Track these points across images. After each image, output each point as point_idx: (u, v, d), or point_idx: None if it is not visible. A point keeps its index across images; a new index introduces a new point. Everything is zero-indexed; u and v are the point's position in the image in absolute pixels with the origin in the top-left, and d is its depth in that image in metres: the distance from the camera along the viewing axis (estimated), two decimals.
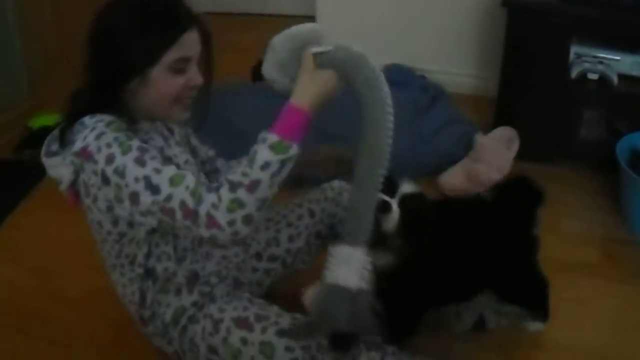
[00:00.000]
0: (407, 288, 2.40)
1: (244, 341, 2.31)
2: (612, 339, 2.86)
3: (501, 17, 4.01)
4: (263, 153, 1.99)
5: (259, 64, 2.37)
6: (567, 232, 3.51)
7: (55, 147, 2.26)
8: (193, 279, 2.44)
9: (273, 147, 2.00)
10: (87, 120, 2.13)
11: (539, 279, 2.76)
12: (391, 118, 2.18)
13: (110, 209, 2.15)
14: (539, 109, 3.94)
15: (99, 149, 2.06)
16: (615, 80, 3.69)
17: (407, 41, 4.98)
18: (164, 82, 2.17)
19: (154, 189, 2.01)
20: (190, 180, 2.01)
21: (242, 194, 1.97)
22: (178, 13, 2.17)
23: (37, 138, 4.31)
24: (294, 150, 2.05)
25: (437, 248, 2.37)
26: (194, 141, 2.69)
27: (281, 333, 2.30)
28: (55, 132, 2.29)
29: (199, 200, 1.98)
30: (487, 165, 3.67)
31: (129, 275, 2.37)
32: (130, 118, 2.21)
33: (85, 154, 2.09)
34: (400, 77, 4.79)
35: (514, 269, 2.64)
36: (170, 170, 2.03)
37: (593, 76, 3.73)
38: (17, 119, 4.48)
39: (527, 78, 3.94)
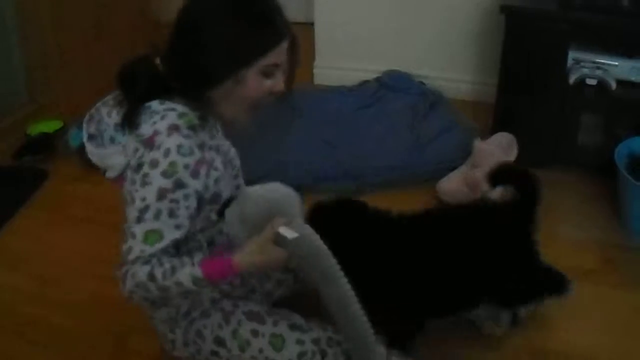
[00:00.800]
0: (397, 298, 2.44)
1: (255, 333, 2.34)
2: (611, 344, 2.86)
3: (499, 23, 4.00)
4: (184, 275, 2.05)
5: None
6: (565, 238, 3.51)
7: (93, 129, 2.30)
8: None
9: (194, 277, 2.06)
10: (156, 105, 2.16)
11: (544, 275, 2.79)
12: (353, 308, 2.13)
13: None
14: (538, 114, 3.94)
15: (159, 147, 2.08)
16: (614, 85, 3.69)
17: (405, 47, 4.98)
18: (254, 84, 2.19)
19: (138, 220, 2.06)
20: (157, 245, 2.07)
21: (151, 286, 2.04)
22: (278, 20, 2.19)
23: (35, 144, 4.32)
24: (207, 285, 2.12)
25: (428, 258, 2.42)
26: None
27: (293, 327, 2.34)
28: (92, 112, 2.33)
29: (134, 260, 2.05)
30: (486, 171, 3.66)
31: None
32: (204, 113, 2.22)
33: (151, 142, 2.10)
34: (398, 83, 4.81)
35: (516, 275, 2.64)
36: (158, 225, 2.07)
37: (591, 81, 3.73)
38: (15, 125, 4.48)
39: (525, 84, 3.93)
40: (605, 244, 3.44)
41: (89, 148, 2.29)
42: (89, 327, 2.98)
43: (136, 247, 2.05)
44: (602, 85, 3.71)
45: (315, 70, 5.32)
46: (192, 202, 2.13)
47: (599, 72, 3.72)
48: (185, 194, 2.09)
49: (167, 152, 2.06)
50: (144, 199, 2.06)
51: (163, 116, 2.13)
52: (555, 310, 2.85)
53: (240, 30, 2.12)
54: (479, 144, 3.76)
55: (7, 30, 4.45)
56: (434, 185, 3.80)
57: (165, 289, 2.05)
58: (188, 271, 2.04)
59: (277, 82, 2.25)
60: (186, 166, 2.08)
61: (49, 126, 4.44)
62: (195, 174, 2.11)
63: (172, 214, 2.08)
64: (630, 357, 2.82)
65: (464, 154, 3.87)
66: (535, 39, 3.79)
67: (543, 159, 3.97)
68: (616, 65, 3.74)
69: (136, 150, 2.12)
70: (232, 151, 2.53)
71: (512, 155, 3.79)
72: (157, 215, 2.06)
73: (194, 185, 2.11)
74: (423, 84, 4.87)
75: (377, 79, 4.96)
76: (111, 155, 2.23)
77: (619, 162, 3.45)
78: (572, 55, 3.80)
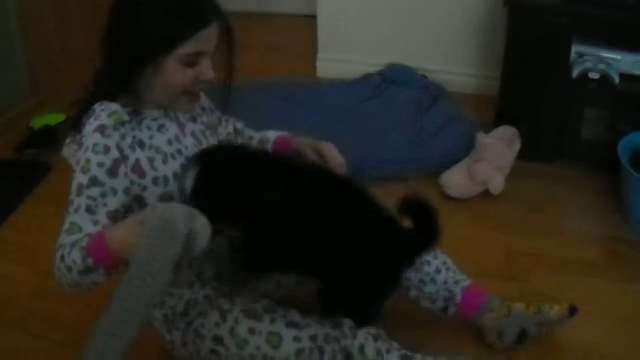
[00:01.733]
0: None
1: (252, 331, 2.31)
2: (613, 339, 2.85)
3: (502, 17, 4.01)
4: (76, 253, 2.03)
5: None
6: (568, 232, 3.51)
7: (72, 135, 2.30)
8: (217, 276, 2.52)
9: (82, 253, 2.03)
10: (97, 107, 2.20)
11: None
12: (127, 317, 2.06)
13: None
14: (541, 108, 3.95)
15: (86, 148, 2.13)
16: (617, 79, 3.69)
17: (408, 40, 4.98)
18: (174, 73, 2.17)
19: (68, 211, 2.13)
20: (73, 237, 2.08)
21: (63, 268, 2.09)
22: (200, 7, 2.15)
23: (38, 138, 4.33)
24: (94, 264, 2.03)
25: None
26: (215, 121, 2.68)
27: (290, 324, 2.33)
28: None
29: (57, 248, 2.12)
30: (489, 164, 3.67)
31: None
32: (136, 107, 2.25)
33: (81, 142, 2.16)
34: (401, 76, 4.81)
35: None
36: (78, 218, 2.09)
37: (594, 75, 3.73)
38: (18, 119, 4.48)
39: (528, 77, 3.93)
40: (609, 238, 3.43)
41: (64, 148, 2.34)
42: (93, 320, 2.98)
43: (61, 236, 2.11)
44: (605, 79, 3.71)
45: (317, 63, 5.32)
46: (111, 201, 2.13)
47: (602, 66, 3.71)
48: (102, 192, 2.11)
49: (85, 150, 2.12)
50: (71, 193, 2.12)
51: (97, 117, 2.17)
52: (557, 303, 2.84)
53: (156, 17, 2.13)
54: (482, 138, 3.76)
55: (10, 24, 4.45)
56: (438, 178, 3.80)
57: (70, 269, 2.06)
58: (78, 249, 2.03)
59: (204, 71, 2.22)
60: (100, 164, 2.11)
61: (52, 119, 4.44)
62: (112, 173, 2.13)
63: (89, 209, 2.10)
64: (634, 351, 2.81)
65: (467, 147, 3.87)
66: (538, 32, 3.78)
67: (546, 153, 3.98)
68: (619, 59, 3.73)
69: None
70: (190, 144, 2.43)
71: (515, 149, 3.79)
72: (77, 210, 2.10)
73: (112, 183, 2.13)
74: (425, 77, 4.87)
75: (380, 73, 4.95)
76: (71, 157, 2.28)
77: (622, 156, 3.45)
78: (575, 49, 3.80)
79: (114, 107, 2.19)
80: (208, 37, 2.18)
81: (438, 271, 2.71)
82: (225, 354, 2.35)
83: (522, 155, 3.82)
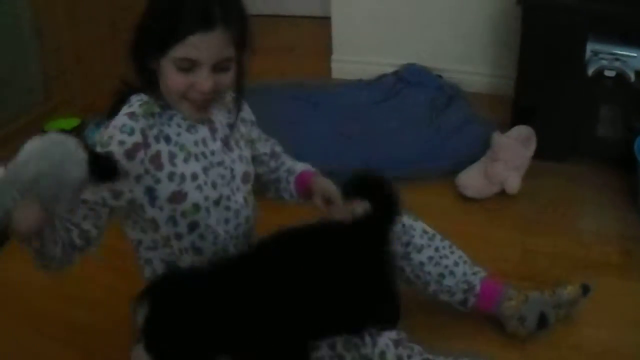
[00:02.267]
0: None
1: None
2: (629, 337, 2.82)
3: (516, 15, 4.00)
4: None
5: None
6: (584, 231, 3.49)
7: None
8: None
9: None
10: (133, 97, 2.24)
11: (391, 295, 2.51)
12: None
13: None
14: (556, 107, 3.93)
15: (113, 125, 2.16)
16: (633, 77, 3.67)
17: (422, 41, 4.97)
18: (169, 76, 2.14)
19: None
20: None
21: None
22: (199, 12, 2.05)
23: None
24: None
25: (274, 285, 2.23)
26: (254, 135, 2.66)
27: None
28: None
29: None
30: (505, 164, 3.66)
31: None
32: (164, 102, 2.24)
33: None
34: (416, 77, 4.81)
35: (368, 296, 2.42)
36: None
37: (610, 73, 3.71)
38: (32, 123, 4.48)
39: (543, 76, 3.92)
40: (625, 237, 3.40)
41: None
42: (106, 321, 2.98)
43: None
44: (621, 76, 3.69)
45: (332, 64, 5.33)
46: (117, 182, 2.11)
47: (617, 64, 3.70)
48: None
49: (109, 127, 2.16)
50: None
51: (130, 105, 2.21)
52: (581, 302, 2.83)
53: (156, 15, 2.14)
54: (498, 137, 3.75)
55: (24, 29, 4.46)
56: (453, 178, 3.79)
57: None
58: None
59: (199, 80, 2.13)
60: (121, 142, 2.11)
61: (67, 124, 4.45)
62: (129, 155, 2.12)
63: None
64: None
65: (483, 147, 3.85)
66: (552, 31, 3.77)
67: (562, 151, 3.97)
68: (635, 57, 3.71)
69: None
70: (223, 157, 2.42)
71: (530, 149, 3.78)
72: None
73: (126, 165, 2.11)
74: (440, 77, 4.86)
75: (395, 73, 4.95)
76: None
77: (638, 154, 3.43)
78: (590, 46, 3.78)
79: (145, 97, 2.22)
80: (198, 45, 2.07)
81: (456, 264, 2.72)
82: None
83: (538, 155, 3.80)
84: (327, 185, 2.56)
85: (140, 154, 2.14)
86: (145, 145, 2.17)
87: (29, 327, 3.02)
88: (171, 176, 2.23)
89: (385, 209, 2.42)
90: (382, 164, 3.83)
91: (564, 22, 3.72)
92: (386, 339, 2.33)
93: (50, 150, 1.83)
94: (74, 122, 4.46)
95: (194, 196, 2.27)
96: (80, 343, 2.91)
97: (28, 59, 4.54)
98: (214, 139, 2.37)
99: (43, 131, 4.32)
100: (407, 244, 2.68)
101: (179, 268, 2.34)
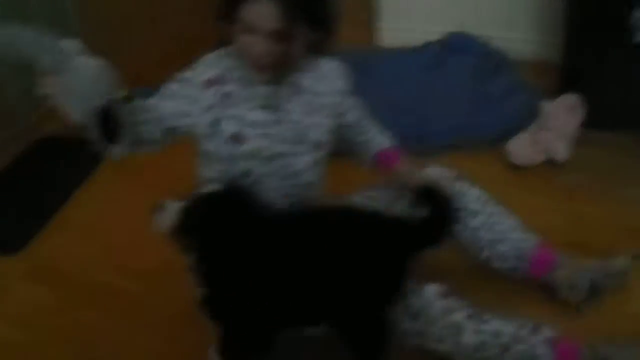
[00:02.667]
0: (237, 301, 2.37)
1: None
2: None
3: None
4: None
5: None
6: (633, 200, 3.46)
7: None
8: None
9: None
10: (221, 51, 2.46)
11: (383, 329, 2.42)
12: None
13: None
14: (604, 75, 3.88)
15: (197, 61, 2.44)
16: None
17: (468, 7, 4.94)
18: (237, 37, 2.28)
19: None
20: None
21: None
22: None
23: None
24: None
25: (273, 264, 2.29)
26: (344, 106, 2.73)
27: None
28: None
29: None
30: (554, 132, 3.65)
31: None
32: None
33: None
34: (463, 44, 4.77)
35: (361, 308, 2.38)
36: (162, 100, 2.35)
37: None
38: None
39: (591, 43, 3.87)
40: None
41: None
42: (159, 292, 3.01)
43: None
44: None
45: (379, 32, 5.32)
46: (181, 102, 2.35)
47: None
48: (183, 92, 2.36)
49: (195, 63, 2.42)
50: None
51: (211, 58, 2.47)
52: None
53: None
54: (546, 106, 3.73)
55: (67, 5, 4.47)
56: (502, 146, 3.79)
57: None
58: None
59: (255, 45, 2.25)
60: (202, 73, 2.39)
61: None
62: (205, 85, 2.37)
63: (163, 90, 2.37)
64: None
65: (531, 115, 3.83)
66: None
67: (610, 120, 3.91)
68: None
69: None
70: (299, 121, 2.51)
71: (578, 117, 3.75)
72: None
73: (198, 93, 2.36)
74: (487, 44, 4.83)
75: (441, 40, 4.93)
76: None
77: None
78: (637, 13, 3.72)
79: (224, 50, 2.42)
80: (253, 12, 2.21)
81: (509, 230, 2.77)
82: None
83: (587, 124, 3.77)
84: (407, 178, 2.68)
85: (215, 89, 2.36)
86: (222, 81, 2.38)
87: (80, 299, 3.07)
88: (236, 117, 2.39)
89: (441, 222, 2.41)
90: (428, 131, 3.82)
91: None
92: (433, 290, 2.40)
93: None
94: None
95: (252, 143, 2.41)
96: (131, 314, 2.94)
97: (68, 29, 4.56)
98: (289, 100, 2.47)
99: None
100: (462, 209, 2.71)
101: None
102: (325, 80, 2.57)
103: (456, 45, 4.79)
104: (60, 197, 3.72)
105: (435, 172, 2.79)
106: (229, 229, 2.27)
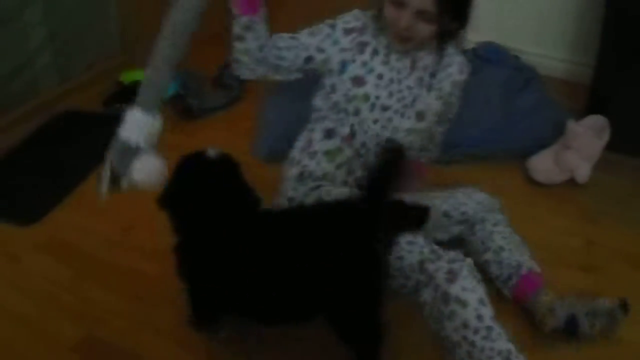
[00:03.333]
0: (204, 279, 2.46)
1: None
2: None
3: (601, 1, 3.94)
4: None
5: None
6: None
7: None
8: None
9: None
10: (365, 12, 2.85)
11: (373, 323, 2.42)
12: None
13: None
14: (633, 100, 3.85)
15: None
16: None
17: (502, 19, 4.94)
18: (385, 5, 2.65)
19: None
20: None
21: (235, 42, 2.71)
22: None
23: (128, 93, 4.36)
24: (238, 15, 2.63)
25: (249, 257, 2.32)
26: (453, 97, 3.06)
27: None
28: None
29: None
30: (577, 152, 3.63)
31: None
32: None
33: None
34: (494, 55, 4.75)
35: (347, 301, 2.36)
36: (306, 35, 2.81)
37: None
38: (108, 73, 4.54)
39: (624, 66, 3.85)
40: None
41: None
42: (173, 274, 3.00)
43: None
44: None
45: None
46: (323, 39, 2.79)
47: None
48: (327, 32, 2.79)
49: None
50: None
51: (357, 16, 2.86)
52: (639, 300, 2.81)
53: None
54: (572, 125, 3.72)
55: None
56: (524, 161, 3.79)
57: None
58: None
59: (400, 17, 2.59)
60: (346, 22, 2.81)
61: (142, 75, 4.47)
62: (346, 31, 2.79)
63: (312, 28, 2.81)
64: None
65: (556, 133, 3.82)
66: (638, 21, 3.69)
67: (635, 146, 3.90)
68: None
69: None
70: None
71: (604, 139, 3.74)
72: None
73: (340, 38, 2.79)
74: (518, 58, 4.81)
75: (473, 50, 4.91)
76: None
77: None
78: None
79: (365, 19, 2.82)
80: None
81: (517, 245, 2.89)
82: None
83: (611, 146, 3.76)
84: None
85: (354, 35, 2.78)
86: (361, 32, 2.79)
87: (94, 278, 3.07)
88: (364, 64, 2.78)
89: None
90: (455, 140, 3.82)
91: None
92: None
93: None
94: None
95: (369, 88, 2.77)
96: (144, 295, 2.95)
97: (107, 10, 4.58)
98: (410, 70, 2.83)
99: (118, 82, 4.37)
100: (487, 213, 2.95)
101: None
102: (448, 68, 2.91)
103: (489, 56, 4.78)
104: (80, 172, 3.71)
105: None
106: (211, 206, 2.37)
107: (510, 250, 2.84)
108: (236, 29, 2.65)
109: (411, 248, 2.47)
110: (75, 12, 4.39)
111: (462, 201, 2.94)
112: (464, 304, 2.30)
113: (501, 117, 4.11)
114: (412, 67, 2.82)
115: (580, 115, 3.93)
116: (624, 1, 3.75)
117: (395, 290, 2.50)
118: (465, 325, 2.30)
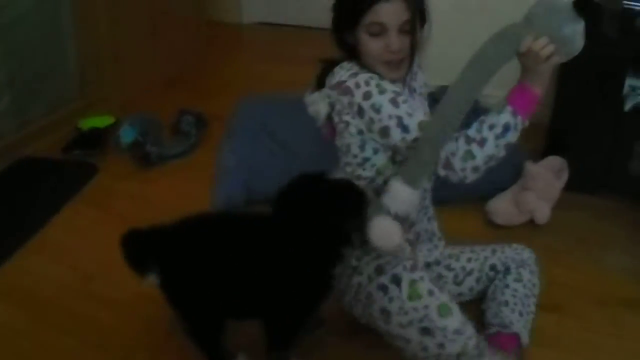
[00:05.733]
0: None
1: (431, 292, 2.52)
2: None
3: None
4: (492, 117, 2.46)
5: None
6: (612, 266, 3.47)
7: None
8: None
9: (506, 118, 2.48)
10: (344, 64, 2.59)
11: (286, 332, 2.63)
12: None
13: (360, 132, 2.52)
14: (591, 140, 3.91)
15: (357, 85, 2.46)
16: None
17: (457, 63, 4.97)
18: (365, 43, 2.50)
19: (404, 128, 2.40)
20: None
21: (474, 147, 2.38)
22: None
23: (86, 139, 4.36)
24: (517, 120, 2.48)
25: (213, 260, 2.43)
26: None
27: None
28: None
29: (431, 141, 2.36)
30: (536, 193, 3.66)
31: None
32: (366, 68, 2.56)
33: (341, 88, 2.50)
34: None
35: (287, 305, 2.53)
36: (419, 116, 2.42)
37: None
38: (66, 119, 4.53)
39: (580, 108, 3.91)
40: None
41: (305, 99, 2.74)
42: (134, 323, 2.99)
43: (414, 135, 2.41)
44: None
45: None
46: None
47: None
48: (404, 97, 2.48)
49: (366, 81, 2.47)
50: (390, 117, 2.42)
51: (348, 69, 2.55)
52: (596, 338, 2.88)
53: None
54: (530, 166, 3.74)
55: (62, 25, 4.50)
56: (484, 205, 3.80)
57: (483, 142, 2.41)
58: (494, 113, 2.48)
59: (390, 42, 2.47)
60: (380, 78, 2.50)
61: (101, 122, 4.48)
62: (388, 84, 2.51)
63: (411, 109, 2.44)
64: None
65: (515, 175, 3.85)
66: (592, 63, 3.74)
67: (594, 185, 3.94)
68: None
69: (337, 99, 2.53)
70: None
71: (562, 180, 3.77)
72: (410, 115, 2.42)
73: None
74: (477, 101, 4.84)
75: (431, 94, 4.94)
76: (314, 103, 2.65)
77: None
78: (629, 82, 3.76)
79: (351, 64, 2.57)
80: (385, 10, 2.43)
81: (522, 306, 2.86)
82: (393, 295, 2.54)
83: (569, 186, 3.80)
84: None
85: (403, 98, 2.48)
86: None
87: (56, 325, 3.03)
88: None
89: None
90: None
91: (604, 56, 3.67)
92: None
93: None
94: (108, 120, 4.49)
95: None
96: (104, 344, 2.92)
97: (65, 55, 4.58)
98: (414, 98, 2.78)
99: (77, 128, 4.36)
100: (517, 268, 2.94)
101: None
102: (418, 77, 2.90)
103: None
104: (40, 219, 3.70)
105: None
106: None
107: (512, 309, 2.82)
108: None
109: (455, 337, 2.47)
110: (34, 55, 4.40)
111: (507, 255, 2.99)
112: None
113: None
114: (410, 91, 2.79)
115: (539, 156, 3.96)
116: None
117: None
118: None
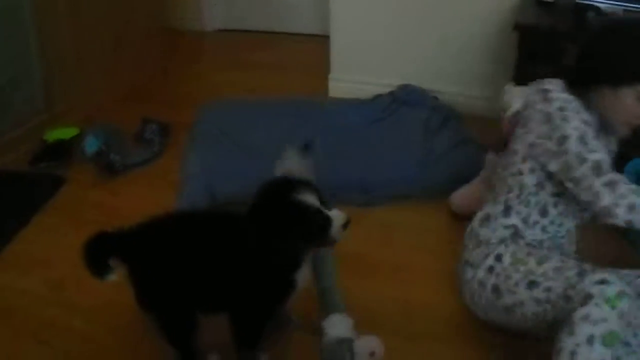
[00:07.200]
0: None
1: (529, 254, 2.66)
2: None
3: (512, 40, 4.04)
4: None
5: None
6: None
7: None
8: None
9: None
10: (563, 83, 2.71)
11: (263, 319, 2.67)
12: None
13: (532, 146, 2.66)
14: None
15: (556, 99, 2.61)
16: None
17: (420, 62, 5.01)
18: (628, 103, 2.57)
19: (582, 160, 2.48)
20: (610, 175, 2.47)
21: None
22: None
23: (52, 151, 4.36)
24: None
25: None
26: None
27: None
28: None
29: (612, 189, 2.44)
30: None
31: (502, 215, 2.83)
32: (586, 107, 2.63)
33: (548, 96, 2.65)
34: (412, 97, 4.84)
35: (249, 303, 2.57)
36: (598, 156, 2.48)
37: None
38: (32, 132, 4.51)
39: None
40: None
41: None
42: (104, 331, 3.00)
43: (601, 179, 2.46)
44: None
45: (330, 83, 5.39)
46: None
47: None
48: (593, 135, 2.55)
49: (573, 107, 2.58)
50: (577, 155, 2.50)
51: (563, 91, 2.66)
52: None
53: (630, 48, 2.57)
54: (490, 157, 3.78)
55: (26, 38, 4.49)
56: (446, 198, 3.84)
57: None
58: None
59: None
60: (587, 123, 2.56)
61: (66, 133, 4.48)
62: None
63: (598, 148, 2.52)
64: None
65: (476, 168, 3.87)
66: (548, 57, 3.80)
67: None
68: None
69: (534, 103, 2.72)
70: None
71: None
72: (591, 152, 2.49)
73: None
74: (436, 98, 4.90)
75: (391, 93, 4.99)
76: (513, 95, 2.93)
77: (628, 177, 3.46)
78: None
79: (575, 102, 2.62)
80: None
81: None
82: (498, 270, 2.68)
83: None
84: None
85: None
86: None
87: (29, 336, 3.04)
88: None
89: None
90: (374, 182, 3.87)
91: (558, 50, 3.74)
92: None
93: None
94: (72, 132, 4.50)
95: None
96: (76, 351, 2.93)
97: (30, 68, 4.57)
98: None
99: (43, 140, 4.36)
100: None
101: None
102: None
103: (406, 98, 4.86)
104: (6, 232, 3.70)
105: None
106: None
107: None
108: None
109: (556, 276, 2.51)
110: (0, 67, 4.41)
111: None
112: None
113: (421, 157, 4.18)
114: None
115: (500, 146, 3.99)
116: (533, 43, 3.87)
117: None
118: None
